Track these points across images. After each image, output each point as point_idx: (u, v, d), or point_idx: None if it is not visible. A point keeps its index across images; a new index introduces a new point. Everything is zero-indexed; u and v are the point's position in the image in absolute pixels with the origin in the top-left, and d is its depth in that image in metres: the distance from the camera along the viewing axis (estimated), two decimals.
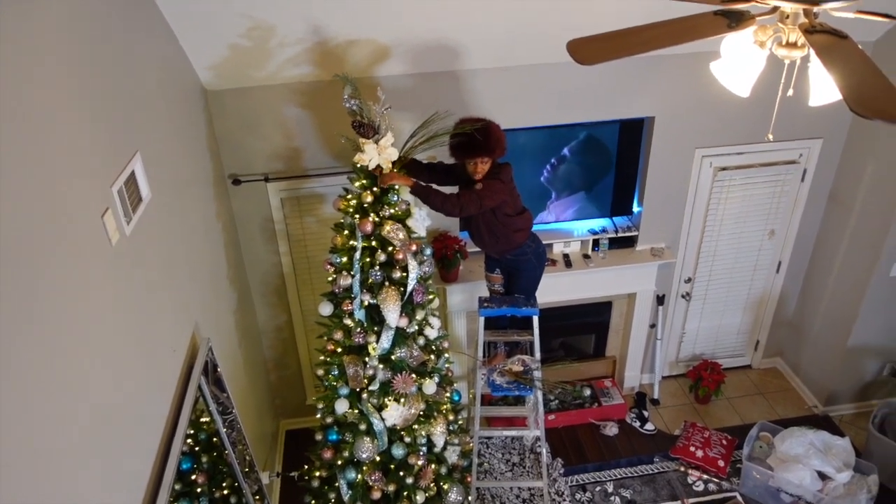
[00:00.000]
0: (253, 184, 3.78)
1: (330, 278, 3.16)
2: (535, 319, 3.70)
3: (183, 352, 2.66)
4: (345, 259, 3.04)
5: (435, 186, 3.13)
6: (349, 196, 3.03)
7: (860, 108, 1.57)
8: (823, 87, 1.86)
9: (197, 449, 2.67)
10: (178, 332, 2.65)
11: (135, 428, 2.12)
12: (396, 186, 2.98)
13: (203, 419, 2.75)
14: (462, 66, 3.57)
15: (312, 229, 4.04)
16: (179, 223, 2.85)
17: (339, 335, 3.15)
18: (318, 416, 3.35)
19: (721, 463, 4.35)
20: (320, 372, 3.31)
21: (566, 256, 4.40)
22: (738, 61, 1.93)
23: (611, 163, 4.21)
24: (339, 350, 3.20)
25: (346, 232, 3.06)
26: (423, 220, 3.08)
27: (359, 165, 2.94)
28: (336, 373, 3.20)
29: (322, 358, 3.30)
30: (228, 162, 3.71)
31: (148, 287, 2.36)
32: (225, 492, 2.86)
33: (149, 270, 2.39)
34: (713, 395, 4.85)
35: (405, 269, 3.04)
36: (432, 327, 3.29)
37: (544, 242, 3.71)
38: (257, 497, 3.19)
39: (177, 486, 2.37)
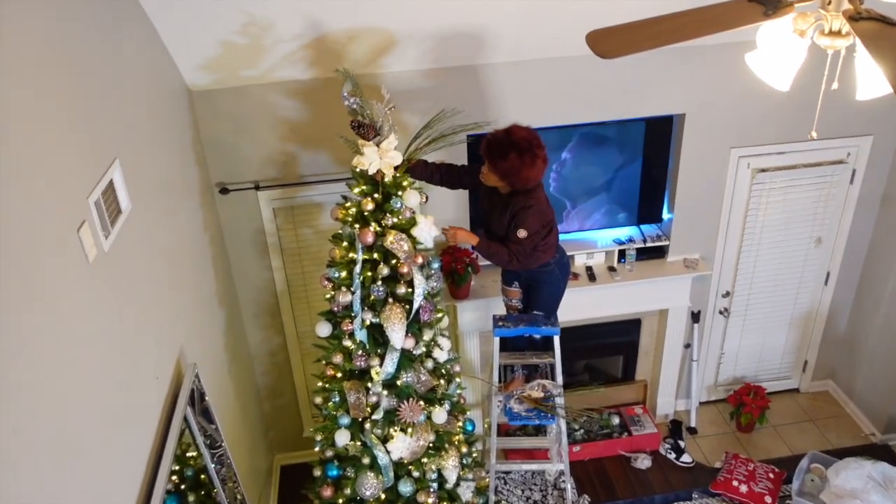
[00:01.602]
0: (243, 192, 3.80)
1: (328, 295, 3.16)
2: (557, 340, 3.69)
3: (167, 379, 2.66)
4: (344, 274, 3.04)
5: (488, 241, 3.31)
6: (348, 204, 3.04)
7: None
8: (871, 80, 1.85)
9: (183, 487, 2.66)
10: (161, 358, 2.65)
11: (114, 464, 2.12)
12: (400, 192, 2.99)
13: (189, 453, 2.75)
14: (471, 62, 3.59)
15: (308, 241, 4.05)
16: (162, 237, 2.86)
17: (338, 358, 3.15)
18: (317, 449, 3.34)
19: (768, 499, 4.29)
20: (318, 400, 3.30)
21: (589, 269, 4.40)
22: (776, 52, 1.92)
23: (637, 165, 4.21)
24: (339, 375, 3.19)
25: (344, 244, 3.07)
26: (429, 229, 3.08)
27: (358, 170, 2.95)
28: (336, 400, 3.19)
29: (320, 384, 3.29)
30: (216, 169, 3.74)
31: (128, 308, 2.36)
32: None
33: (129, 289, 2.40)
34: (757, 422, 4.80)
35: (410, 284, 3.04)
36: (442, 349, 3.28)
37: None
38: None
39: None
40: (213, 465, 2.85)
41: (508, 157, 3.13)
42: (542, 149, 3.18)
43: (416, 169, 3.35)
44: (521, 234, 3.28)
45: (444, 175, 3.44)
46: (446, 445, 3.31)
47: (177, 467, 2.57)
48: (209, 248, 3.64)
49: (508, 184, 3.25)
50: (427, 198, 3.18)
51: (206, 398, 2.92)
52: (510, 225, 3.33)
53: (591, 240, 4.42)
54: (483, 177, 3.30)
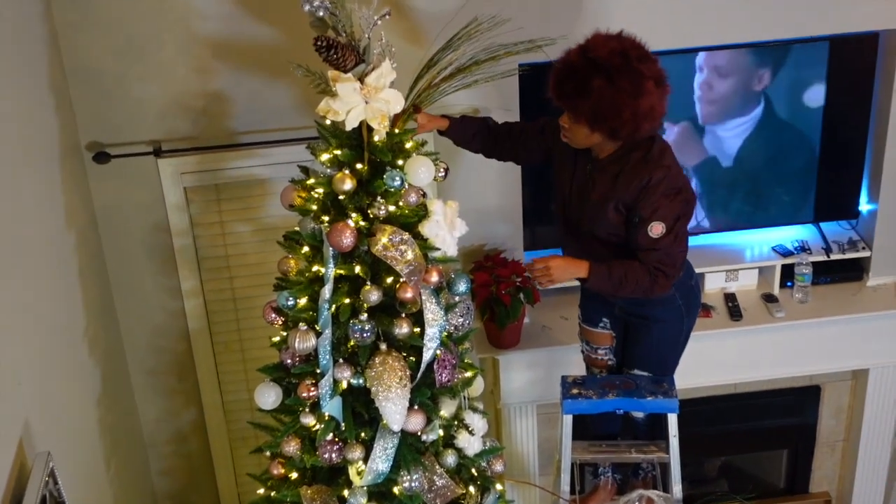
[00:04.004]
0: (133, 161, 3.82)
1: (276, 338, 3.16)
2: (674, 421, 3.67)
3: (2, 478, 2.65)
4: (303, 301, 3.05)
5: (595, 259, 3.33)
6: (311, 181, 3.04)
7: None
8: None
9: None
10: None
11: None
12: (400, 161, 2.98)
13: None
14: None
15: (243, 246, 4.06)
16: None
17: (292, 447, 3.15)
18: None
19: None
20: None
21: (731, 300, 4.38)
22: None
23: (812, 120, 4.22)
24: (294, 476, 3.20)
25: (304, 249, 3.07)
26: (451, 224, 3.07)
27: (328, 122, 2.95)
28: None
29: (262, 492, 3.30)
30: (88, 119, 3.77)
31: None
32: None
33: None
34: None
35: (419, 319, 3.04)
36: (472, 433, 3.27)
37: None
38: None
39: None
40: None
41: (592, 87, 3.11)
42: (651, 62, 3.17)
43: (452, 128, 3.37)
44: (657, 229, 3.26)
45: (490, 137, 3.48)
46: None
47: None
48: (75, 255, 3.64)
49: (608, 136, 3.24)
50: (447, 170, 3.16)
51: None
52: (631, 217, 3.32)
53: (733, 248, 4.41)
54: (566, 134, 3.30)
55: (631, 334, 3.72)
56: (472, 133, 3.47)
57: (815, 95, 4.18)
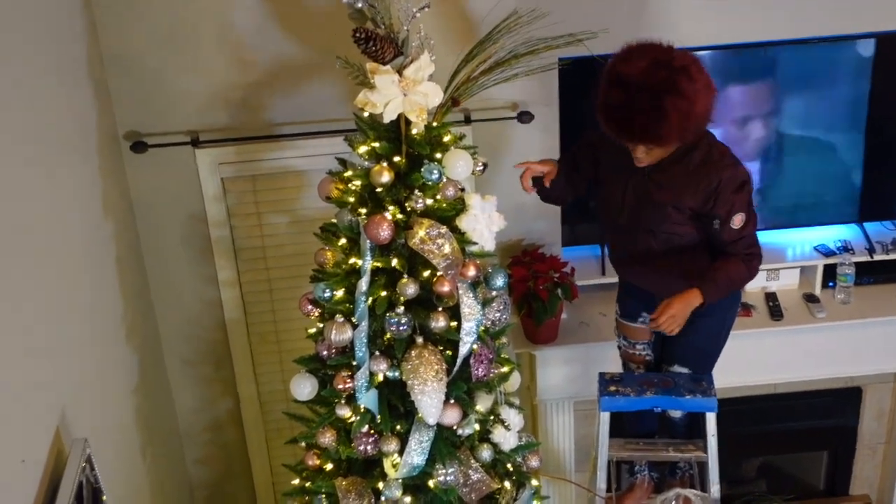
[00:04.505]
0: (171, 151, 3.85)
1: (312, 330, 3.17)
2: (712, 420, 3.66)
3: (40, 464, 2.68)
4: (340, 293, 3.06)
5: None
6: (348, 173, 3.05)
7: None
8: None
9: None
10: (29, 428, 2.67)
11: None
12: (438, 154, 2.97)
13: None
14: None
15: (280, 237, 4.08)
16: (35, 224, 2.89)
17: (327, 438, 3.16)
18: None
19: None
20: None
21: (772, 299, 4.37)
22: None
23: (856, 117, 4.18)
24: (329, 468, 3.21)
25: (341, 242, 3.08)
26: (489, 219, 3.06)
27: (366, 115, 2.95)
28: None
29: (297, 482, 3.32)
30: (126, 109, 3.79)
31: None
32: None
33: None
34: None
35: (455, 313, 3.04)
36: (508, 428, 3.27)
37: None
38: None
39: None
40: None
41: (665, 109, 3.08)
42: (684, 57, 3.17)
43: (552, 189, 3.47)
44: (738, 221, 3.34)
45: (570, 181, 3.54)
46: None
47: None
48: (112, 244, 3.66)
49: (679, 139, 3.23)
50: (485, 165, 3.16)
51: (104, 499, 2.92)
52: (706, 220, 3.36)
53: (774, 247, 4.37)
54: (641, 161, 3.29)
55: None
56: (563, 187, 3.53)
57: (860, 93, 4.14)
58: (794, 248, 4.40)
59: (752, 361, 4.25)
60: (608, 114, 3.18)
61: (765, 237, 4.33)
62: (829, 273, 4.37)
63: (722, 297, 3.44)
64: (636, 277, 3.64)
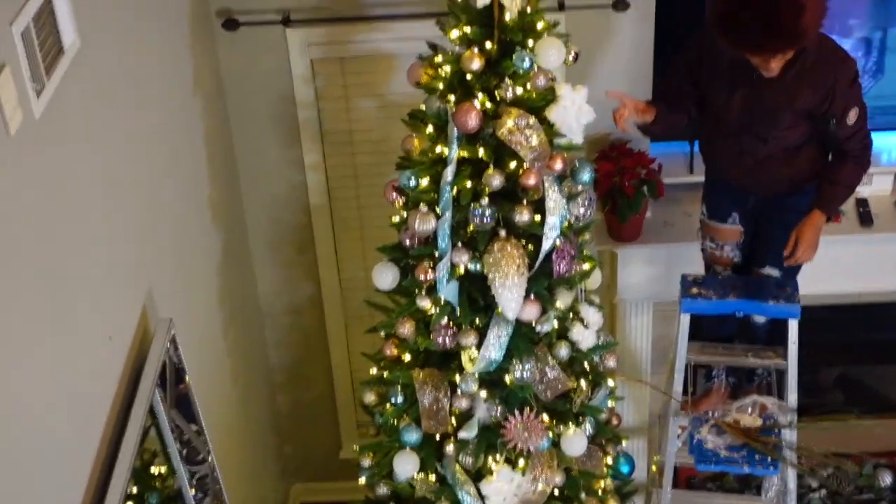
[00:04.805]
0: (262, 29, 3.86)
1: (395, 218, 3.18)
2: (794, 327, 3.64)
3: (125, 342, 2.72)
4: (425, 182, 3.05)
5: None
6: (438, 59, 3.01)
7: None
8: None
9: None
10: (116, 306, 2.71)
11: (40, 476, 2.18)
12: (530, 41, 2.90)
13: (155, 469, 2.82)
14: None
15: (368, 122, 4.09)
16: (127, 99, 2.90)
17: (406, 329, 3.18)
18: (362, 481, 3.41)
19: None
20: (370, 398, 3.37)
21: (862, 204, 4.29)
22: None
23: None
24: (407, 358, 3.24)
25: (429, 129, 3.06)
26: (579, 111, 3.00)
27: None
28: (399, 401, 3.25)
29: (374, 371, 3.35)
30: None
31: (67, 216, 2.41)
32: None
33: (70, 185, 2.44)
34: None
35: (540, 207, 3.02)
36: (587, 327, 3.27)
37: None
38: None
39: None
40: (192, 492, 2.90)
41: (802, 6, 3.03)
42: None
43: (658, 121, 3.43)
44: (853, 114, 3.37)
45: (676, 109, 3.52)
46: (583, 496, 3.30)
47: (134, 490, 2.62)
48: (201, 122, 3.69)
49: (815, 32, 3.19)
50: (577, 54, 3.07)
51: (187, 378, 2.97)
52: (822, 118, 3.35)
53: None
54: (777, 64, 3.22)
55: (764, 228, 3.71)
56: (669, 115, 3.50)
57: None
58: (889, 152, 4.32)
59: (838, 268, 4.19)
60: (742, 33, 3.11)
61: None
62: None
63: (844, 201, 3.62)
64: (740, 179, 3.60)
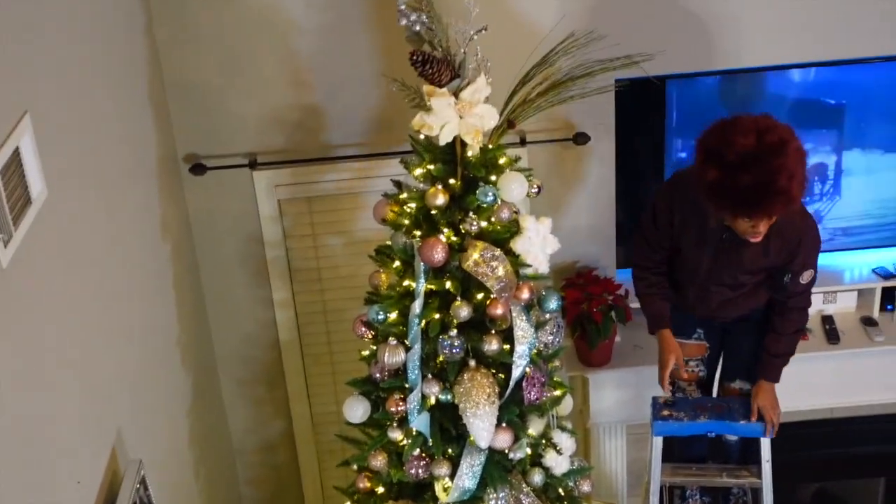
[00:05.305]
0: (229, 173, 3.89)
1: (365, 352, 3.18)
2: (767, 444, 3.65)
3: (95, 485, 2.69)
4: (393, 315, 3.07)
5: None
6: (403, 195, 3.06)
7: None
8: None
9: None
10: (86, 450, 2.69)
11: None
12: (493, 177, 2.96)
13: None
14: None
15: (335, 259, 4.10)
16: (95, 246, 2.91)
17: (379, 461, 3.16)
18: None
19: None
20: None
21: (828, 322, 4.33)
22: None
23: None
24: (380, 491, 3.21)
25: (396, 264, 3.09)
26: (544, 241, 3.05)
27: (422, 137, 2.96)
28: None
29: None
30: (186, 132, 3.84)
31: (35, 362, 2.40)
32: None
33: (38, 332, 2.44)
34: None
35: (509, 336, 3.03)
36: (560, 452, 3.26)
37: None
38: None
39: None
40: None
41: (793, 143, 3.12)
42: (778, 124, 3.21)
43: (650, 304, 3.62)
44: (808, 275, 3.48)
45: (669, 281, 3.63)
46: None
47: None
48: (170, 265, 3.69)
49: (796, 204, 3.29)
50: (540, 187, 3.15)
51: None
52: (783, 266, 3.43)
53: (831, 269, 4.32)
54: (762, 228, 3.24)
55: (731, 341, 3.76)
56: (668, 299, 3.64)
57: None
58: (851, 270, 4.35)
59: (808, 385, 4.20)
60: (740, 198, 3.12)
61: (823, 259, 4.27)
62: (888, 296, 4.33)
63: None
64: (705, 313, 3.67)
